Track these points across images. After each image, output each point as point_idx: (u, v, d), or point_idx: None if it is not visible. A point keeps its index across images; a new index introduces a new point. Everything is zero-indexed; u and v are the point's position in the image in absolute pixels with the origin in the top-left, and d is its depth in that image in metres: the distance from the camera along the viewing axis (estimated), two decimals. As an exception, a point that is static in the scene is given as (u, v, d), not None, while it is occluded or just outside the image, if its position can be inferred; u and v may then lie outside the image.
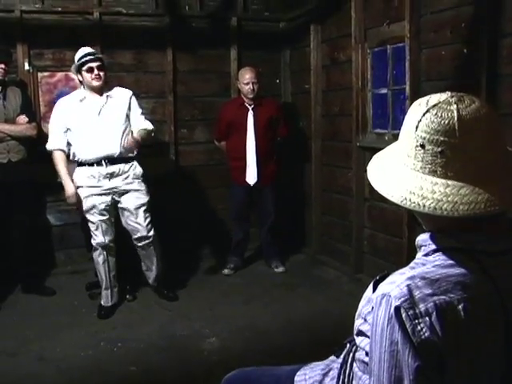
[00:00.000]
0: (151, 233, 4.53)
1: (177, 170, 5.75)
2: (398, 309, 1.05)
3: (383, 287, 1.12)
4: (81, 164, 4.38)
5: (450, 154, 1.12)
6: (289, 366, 1.82)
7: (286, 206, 5.89)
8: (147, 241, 4.53)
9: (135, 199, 4.45)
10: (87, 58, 4.23)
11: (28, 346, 3.84)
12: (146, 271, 4.72)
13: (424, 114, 1.16)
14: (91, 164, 4.33)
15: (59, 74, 5.25)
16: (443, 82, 3.94)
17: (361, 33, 4.82)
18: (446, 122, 1.13)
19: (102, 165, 4.33)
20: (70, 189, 4.33)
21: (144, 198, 4.49)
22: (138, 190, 4.46)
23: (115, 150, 4.34)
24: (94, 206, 4.36)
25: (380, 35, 4.65)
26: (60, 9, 5.13)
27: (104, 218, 4.40)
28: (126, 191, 4.43)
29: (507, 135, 3.08)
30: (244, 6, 5.93)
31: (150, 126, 4.52)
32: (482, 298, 1.09)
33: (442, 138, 1.13)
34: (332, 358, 1.64)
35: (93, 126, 4.29)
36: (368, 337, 1.19)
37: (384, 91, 4.73)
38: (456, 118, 1.12)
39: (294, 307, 4.48)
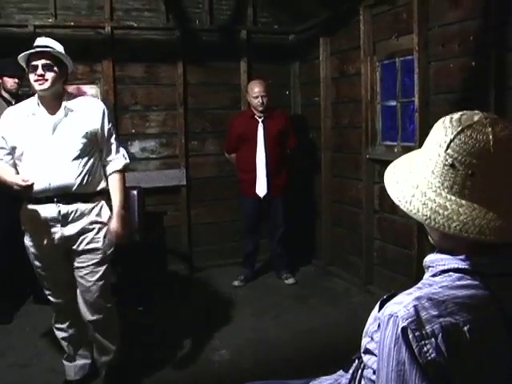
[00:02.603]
0: (95, 317, 3.28)
1: (187, 182, 5.79)
2: (404, 329, 1.07)
3: (391, 307, 1.13)
4: (27, 199, 3.16)
5: (481, 177, 1.12)
6: (298, 380, 1.83)
7: (296, 218, 5.90)
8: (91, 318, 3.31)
9: (91, 273, 3.22)
10: (32, 51, 3.01)
11: (40, 357, 3.87)
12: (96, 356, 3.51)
13: (458, 134, 1.14)
14: (39, 200, 3.09)
15: (71, 88, 5.28)
16: (452, 95, 3.97)
17: (369, 45, 4.86)
18: (482, 144, 1.11)
19: (52, 202, 3.09)
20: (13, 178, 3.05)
21: (102, 267, 3.25)
22: (97, 250, 3.21)
23: (71, 182, 3.08)
24: (40, 263, 3.23)
25: (389, 48, 4.68)
26: (72, 23, 5.22)
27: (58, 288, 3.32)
28: (83, 251, 3.19)
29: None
30: (253, 19, 6.00)
31: (122, 161, 3.34)
32: (488, 319, 1.10)
33: (474, 161, 1.11)
34: (340, 372, 1.65)
35: (44, 148, 3.07)
36: (375, 355, 1.20)
37: (393, 103, 4.76)
38: (491, 143, 1.11)
39: (305, 319, 4.49)
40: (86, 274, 3.21)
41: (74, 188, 3.10)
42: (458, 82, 3.92)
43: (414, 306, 1.09)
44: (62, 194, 3.09)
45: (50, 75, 3.02)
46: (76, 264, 3.21)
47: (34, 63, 3.01)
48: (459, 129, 1.15)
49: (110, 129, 3.28)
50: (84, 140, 3.13)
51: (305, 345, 4.01)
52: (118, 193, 3.31)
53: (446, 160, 1.15)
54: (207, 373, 3.65)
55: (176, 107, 5.72)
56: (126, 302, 4.77)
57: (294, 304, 4.89)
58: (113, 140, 3.32)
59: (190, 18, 5.74)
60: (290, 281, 5.44)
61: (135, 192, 5.14)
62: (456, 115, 1.18)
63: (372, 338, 1.25)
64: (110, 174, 3.31)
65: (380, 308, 1.23)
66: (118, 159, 3.32)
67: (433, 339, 1.06)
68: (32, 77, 3.03)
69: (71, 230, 3.14)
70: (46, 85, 3.02)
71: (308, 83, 6.06)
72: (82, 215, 3.16)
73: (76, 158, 3.11)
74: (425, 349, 1.05)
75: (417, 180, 1.20)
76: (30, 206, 3.15)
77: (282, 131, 5.31)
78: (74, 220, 3.14)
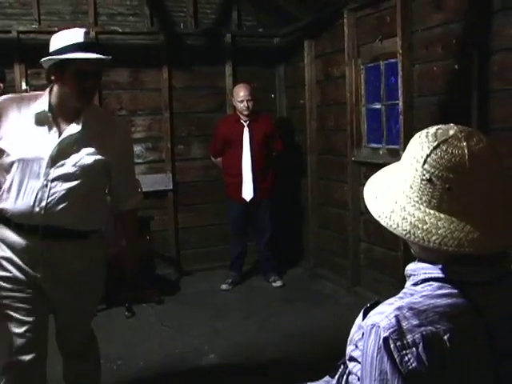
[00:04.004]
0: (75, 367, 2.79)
1: (174, 187, 5.79)
2: (386, 339, 1.08)
3: (373, 317, 1.14)
4: (3, 219, 2.47)
5: (458, 191, 1.13)
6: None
7: (283, 220, 5.92)
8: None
9: (74, 322, 2.67)
10: (82, 56, 2.31)
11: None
12: None
13: (434, 149, 1.15)
14: (19, 227, 2.43)
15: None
16: (435, 97, 4.00)
17: (354, 48, 4.89)
18: (458, 159, 1.13)
19: (36, 233, 2.42)
20: None
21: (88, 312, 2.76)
22: (83, 301, 2.61)
23: (67, 213, 2.43)
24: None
25: (373, 51, 4.72)
26: (56, 29, 5.10)
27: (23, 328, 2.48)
28: (66, 302, 2.58)
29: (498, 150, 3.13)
30: (238, 23, 6.01)
31: (137, 199, 2.80)
32: (468, 328, 1.12)
33: (451, 175, 1.13)
34: (327, 378, 1.66)
35: (43, 163, 2.40)
36: (359, 362, 1.22)
37: (378, 106, 4.79)
38: (467, 157, 1.13)
39: (293, 322, 4.50)
40: (65, 322, 2.67)
41: (68, 220, 2.44)
42: (441, 85, 3.96)
43: (396, 316, 1.10)
44: (52, 226, 2.42)
45: (96, 86, 2.48)
46: (55, 309, 2.63)
47: (83, 70, 2.35)
48: (435, 144, 1.16)
49: (129, 157, 2.74)
50: (96, 163, 2.47)
51: (293, 348, 4.02)
52: (131, 235, 2.88)
53: (424, 175, 1.16)
54: (197, 378, 3.66)
55: (161, 111, 5.72)
56: (113, 307, 4.77)
57: (282, 307, 4.91)
58: (130, 171, 2.75)
59: (175, 22, 5.74)
60: (278, 283, 5.45)
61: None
62: (432, 130, 1.20)
63: (356, 346, 1.26)
64: (122, 213, 2.76)
65: (364, 316, 1.24)
66: (132, 196, 2.74)
67: (414, 348, 1.07)
68: (76, 83, 2.36)
69: (54, 274, 2.48)
70: (93, 98, 2.54)
71: (293, 86, 6.08)
72: (71, 258, 2.50)
73: (80, 184, 2.45)
74: (406, 358, 1.07)
75: (396, 195, 1.22)
76: (5, 232, 2.47)
77: (267, 135, 5.32)
78: (59, 262, 2.47)
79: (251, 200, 5.27)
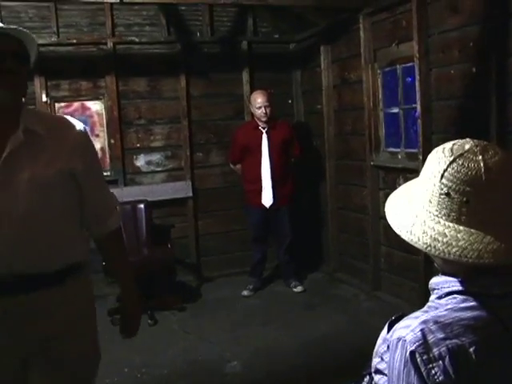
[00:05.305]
0: None
1: (194, 194, 5.83)
2: (413, 353, 1.09)
3: (399, 331, 1.16)
4: None
5: (475, 203, 1.15)
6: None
7: (302, 226, 5.93)
8: None
9: None
10: None
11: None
12: None
13: (450, 164, 1.17)
14: None
15: (76, 104, 5.38)
16: (453, 101, 4.00)
17: (370, 53, 4.90)
18: (474, 172, 1.15)
19: (5, 288, 1.83)
20: None
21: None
22: (74, 365, 2.00)
23: (35, 254, 1.84)
24: None
25: (389, 55, 4.72)
26: (75, 41, 5.27)
27: None
28: (50, 366, 1.93)
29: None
30: (254, 30, 6.04)
31: (117, 216, 2.14)
32: (493, 340, 1.13)
33: (468, 189, 1.15)
34: (352, 387, 1.68)
35: None
36: (385, 375, 1.23)
37: (395, 110, 4.79)
38: (483, 170, 1.14)
39: (314, 327, 4.51)
40: None
41: (37, 263, 1.85)
42: (459, 88, 3.95)
43: (421, 330, 1.11)
44: (21, 275, 1.82)
45: (19, 71, 1.80)
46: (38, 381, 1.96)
47: None
48: (451, 158, 1.18)
49: (97, 166, 2.10)
50: (55, 181, 1.86)
51: (315, 353, 4.03)
52: (122, 264, 2.23)
53: (442, 189, 1.18)
54: (219, 385, 3.69)
55: (180, 120, 5.76)
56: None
57: (303, 312, 4.92)
58: (101, 183, 2.12)
59: (191, 31, 5.79)
60: (299, 289, 5.46)
61: (142, 205, 5.19)
62: (448, 145, 1.23)
63: (382, 359, 1.27)
64: (105, 238, 2.14)
65: (389, 329, 1.26)
66: (111, 214, 2.12)
67: (440, 362, 1.08)
68: None
69: (31, 333, 1.89)
70: (14, 86, 1.81)
71: (310, 91, 6.09)
72: (51, 309, 1.90)
73: (40, 211, 1.84)
74: (433, 372, 1.08)
75: (416, 210, 1.24)
76: None
77: (286, 140, 5.34)
78: (37, 317, 1.88)
79: (271, 206, 5.29)
